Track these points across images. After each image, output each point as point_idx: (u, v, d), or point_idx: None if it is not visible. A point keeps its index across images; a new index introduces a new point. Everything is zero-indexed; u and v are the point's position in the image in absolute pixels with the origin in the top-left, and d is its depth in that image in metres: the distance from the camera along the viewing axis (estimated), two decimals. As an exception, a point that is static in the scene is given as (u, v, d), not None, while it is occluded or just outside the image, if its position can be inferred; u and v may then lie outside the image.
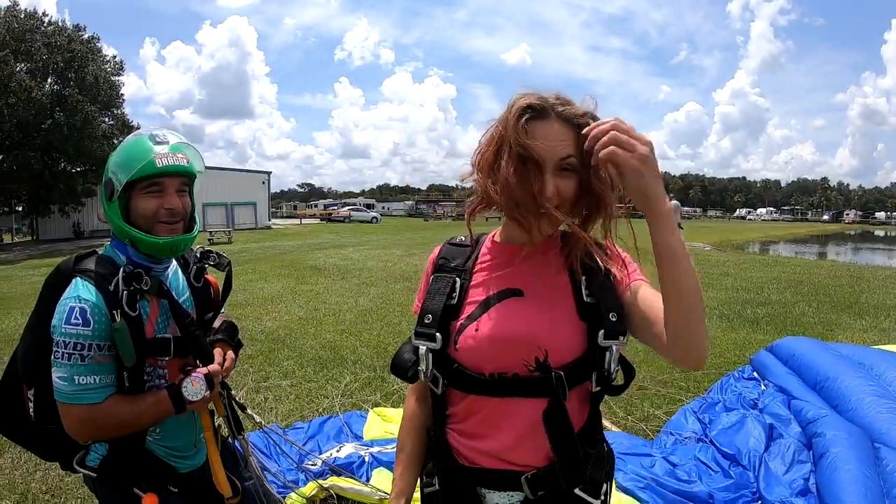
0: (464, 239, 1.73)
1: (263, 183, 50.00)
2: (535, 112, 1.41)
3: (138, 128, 40.24)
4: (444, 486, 1.63)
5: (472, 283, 1.60)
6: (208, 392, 1.95)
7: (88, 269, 1.84)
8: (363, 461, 3.98)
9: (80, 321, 1.75)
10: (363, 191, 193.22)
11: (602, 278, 1.49)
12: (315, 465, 3.95)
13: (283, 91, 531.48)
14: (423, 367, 1.55)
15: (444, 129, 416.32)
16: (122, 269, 1.84)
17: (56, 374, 1.76)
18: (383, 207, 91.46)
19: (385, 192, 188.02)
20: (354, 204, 78.66)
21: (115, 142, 37.39)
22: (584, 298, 1.48)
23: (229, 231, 33.61)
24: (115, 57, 40.36)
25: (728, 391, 5.28)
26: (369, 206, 76.87)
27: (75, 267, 1.86)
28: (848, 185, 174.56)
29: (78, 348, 1.75)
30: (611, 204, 1.43)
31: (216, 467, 2.10)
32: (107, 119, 37.61)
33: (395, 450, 4.06)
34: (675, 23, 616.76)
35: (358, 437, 4.57)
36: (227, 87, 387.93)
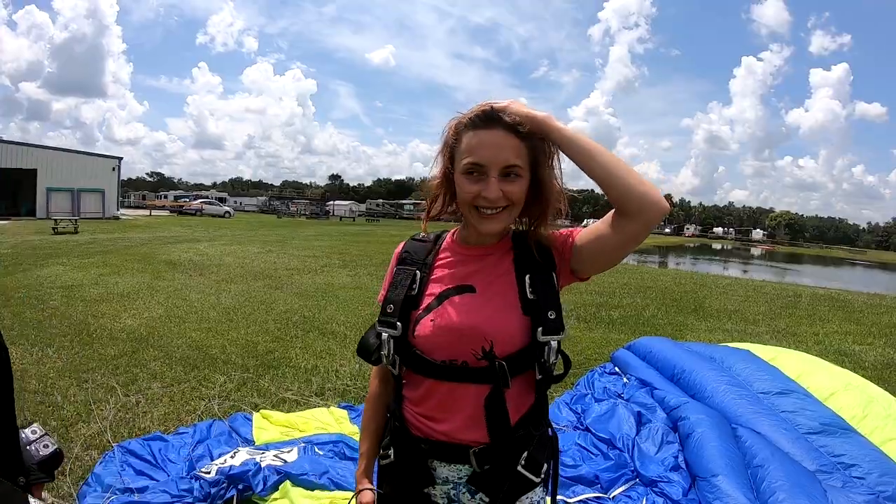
0: (425, 236, 1.85)
1: (113, 169, 46.70)
2: (480, 121, 1.57)
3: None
4: (399, 457, 1.76)
5: (431, 277, 1.74)
6: None
7: None
8: (259, 468, 3.83)
9: None
10: (215, 183, 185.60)
11: (545, 277, 1.66)
12: (209, 472, 3.79)
13: (139, 71, 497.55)
14: (384, 351, 1.71)
15: (301, 124, 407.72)
16: None
17: None
18: (235, 202, 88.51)
19: (237, 187, 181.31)
20: (206, 197, 75.55)
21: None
22: (528, 296, 1.63)
23: (76, 220, 30.56)
24: (-37, 18, 36.40)
25: (594, 385, 5.69)
26: (222, 200, 73.92)
27: None
28: (689, 201, 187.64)
29: None
30: (554, 204, 1.65)
31: None
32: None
33: (290, 453, 4.02)
34: (538, 38, 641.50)
35: (248, 442, 4.46)
36: (80, 61, 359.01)
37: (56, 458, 1.63)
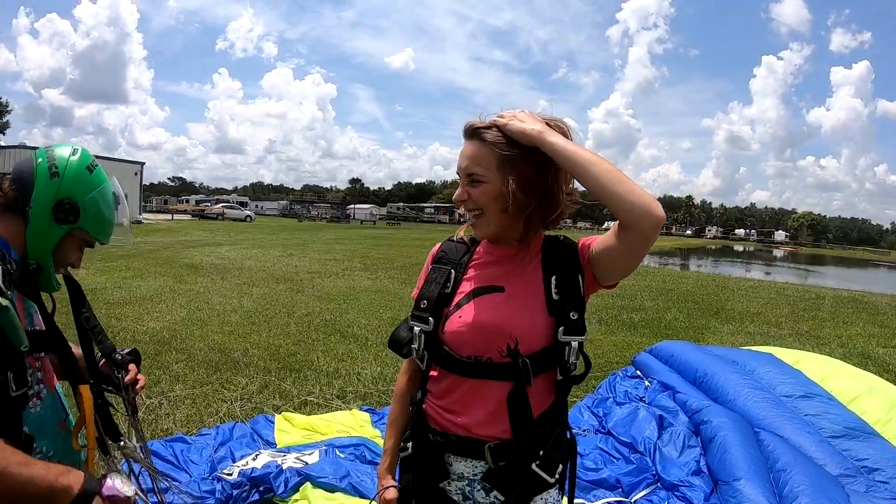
0: (461, 237, 1.93)
1: (136, 174, 47.24)
2: (464, 134, 1.74)
3: (7, 106, 37.35)
4: (417, 451, 1.84)
5: (464, 277, 1.82)
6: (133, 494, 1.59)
7: None
8: (280, 470, 3.88)
9: None
10: (236, 188, 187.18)
11: (571, 279, 1.70)
12: (231, 474, 3.84)
13: (160, 77, 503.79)
14: (415, 345, 1.79)
15: (321, 128, 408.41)
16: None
17: None
18: (256, 206, 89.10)
19: (258, 191, 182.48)
20: (227, 201, 76.09)
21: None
22: (553, 296, 1.68)
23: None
24: (-13, 26, 36.98)
25: (615, 388, 5.67)
26: (243, 205, 74.31)
27: None
28: (710, 203, 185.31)
29: None
30: (519, 210, 1.69)
31: None
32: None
33: (311, 456, 4.03)
34: (557, 41, 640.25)
35: (270, 444, 4.49)
36: (101, 68, 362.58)
37: (136, 353, 2.08)
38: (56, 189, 1.70)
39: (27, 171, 1.70)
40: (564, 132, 1.66)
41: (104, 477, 1.54)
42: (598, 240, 1.69)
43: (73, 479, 1.41)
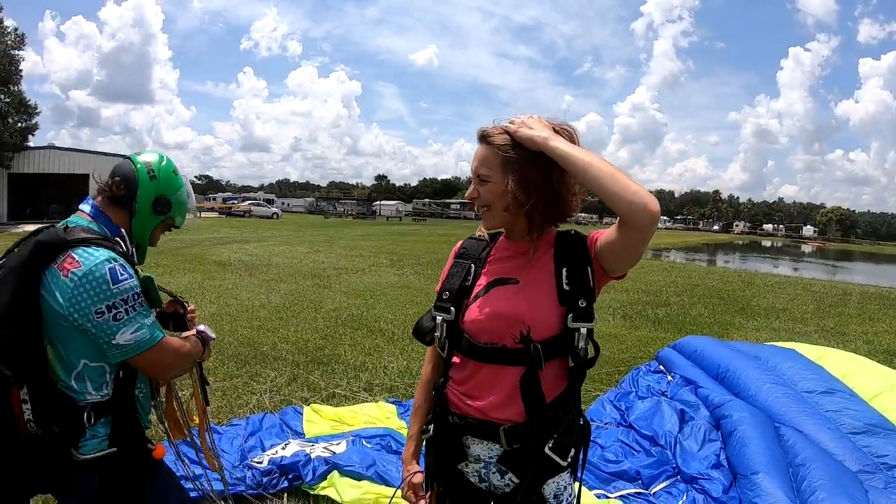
0: (482, 234, 2.06)
1: (163, 174, 47.74)
2: (478, 139, 1.88)
3: (35, 108, 37.82)
4: (437, 432, 1.98)
5: (483, 270, 1.96)
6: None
7: (90, 238, 1.99)
8: (309, 459, 4.01)
9: (127, 274, 1.94)
10: (262, 185, 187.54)
11: (581, 270, 1.81)
12: (262, 462, 3.99)
13: (185, 77, 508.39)
14: (438, 333, 1.94)
15: (347, 126, 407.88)
16: (124, 234, 2.19)
17: (129, 332, 1.93)
18: (283, 203, 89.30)
19: (284, 188, 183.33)
20: (254, 198, 76.54)
21: (10, 121, 35.06)
22: (564, 287, 1.80)
23: (129, 222, 31.32)
24: (16, 29, 36.72)
25: (638, 383, 5.73)
26: (269, 202, 74.66)
27: (71, 239, 1.96)
28: (738, 198, 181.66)
29: (136, 297, 1.95)
30: (516, 207, 1.81)
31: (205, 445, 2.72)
32: (2, 96, 35.09)
33: (339, 446, 4.14)
34: (581, 36, 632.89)
35: (299, 434, 4.61)
36: (127, 69, 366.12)
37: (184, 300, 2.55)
38: (154, 188, 2.24)
39: (130, 174, 2.21)
40: (571, 136, 1.78)
41: (200, 330, 2.36)
42: (604, 234, 1.79)
43: (196, 340, 2.29)
